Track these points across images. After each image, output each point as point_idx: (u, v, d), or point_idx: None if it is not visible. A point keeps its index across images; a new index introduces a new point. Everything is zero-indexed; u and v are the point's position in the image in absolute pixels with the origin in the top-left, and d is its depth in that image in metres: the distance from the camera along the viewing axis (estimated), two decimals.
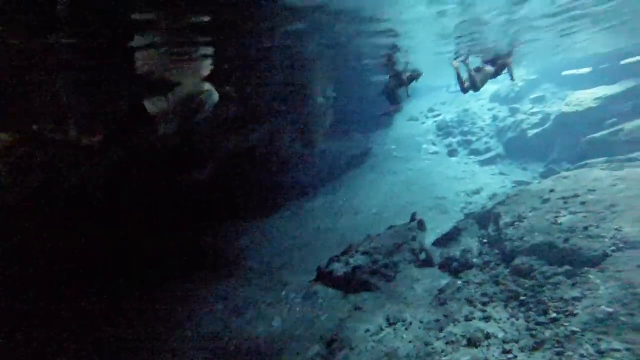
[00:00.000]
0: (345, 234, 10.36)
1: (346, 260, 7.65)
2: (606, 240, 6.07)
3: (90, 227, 7.82)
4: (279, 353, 6.05)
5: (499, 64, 8.00)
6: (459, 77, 7.46)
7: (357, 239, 8.88)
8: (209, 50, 5.73)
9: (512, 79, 8.40)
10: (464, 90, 7.51)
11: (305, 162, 12.63)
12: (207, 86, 4.69)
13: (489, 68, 7.77)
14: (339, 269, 7.57)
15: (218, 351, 6.28)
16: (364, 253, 7.65)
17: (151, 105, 4.14)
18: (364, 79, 14.42)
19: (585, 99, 14.31)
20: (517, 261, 6.74)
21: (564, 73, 18.09)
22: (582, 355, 4.43)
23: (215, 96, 4.70)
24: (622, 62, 15.18)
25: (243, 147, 10.50)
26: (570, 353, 4.52)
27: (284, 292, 7.91)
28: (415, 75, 9.12)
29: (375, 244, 7.89)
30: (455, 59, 10.35)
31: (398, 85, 8.93)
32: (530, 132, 15.82)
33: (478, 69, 7.66)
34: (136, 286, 8.09)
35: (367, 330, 6.15)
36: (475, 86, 7.39)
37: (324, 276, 7.70)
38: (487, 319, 5.70)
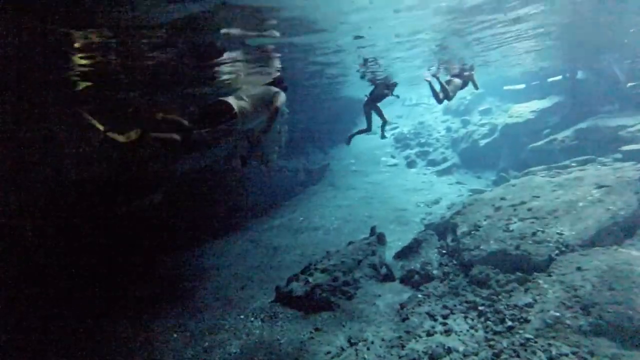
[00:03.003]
0: (305, 252, 10.09)
1: (305, 279, 7.36)
2: (551, 244, 6.35)
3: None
4: None
5: (464, 76, 8.72)
6: (433, 90, 7.97)
7: (318, 256, 8.65)
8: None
9: (476, 88, 9.13)
10: (439, 101, 8.07)
11: (263, 181, 12.32)
12: (275, 88, 4.90)
13: (458, 80, 8.41)
14: (298, 288, 7.26)
15: None
16: (324, 271, 7.41)
17: (235, 102, 4.35)
18: (321, 95, 14.56)
19: (524, 111, 15.50)
20: (474, 271, 6.83)
21: (505, 88, 19.64)
22: None
23: (284, 97, 4.91)
24: (549, 80, 16.98)
25: (197, 169, 10.04)
26: None
27: (242, 316, 7.50)
28: (393, 85, 9.24)
29: (335, 260, 7.68)
30: (428, 72, 10.89)
31: (382, 95, 8.85)
32: (482, 142, 16.68)
33: (448, 82, 8.25)
34: (88, 318, 7.39)
35: (328, 352, 5.87)
36: (448, 97, 7.96)
37: (284, 297, 7.37)
38: (448, 332, 5.65)
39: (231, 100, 4.40)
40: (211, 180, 10.65)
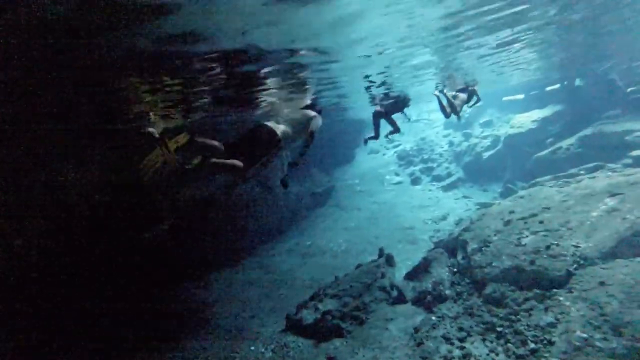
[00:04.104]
0: (314, 276, 9.85)
1: (315, 305, 7.13)
2: (568, 258, 6.10)
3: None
4: None
5: (469, 91, 9.02)
6: (441, 105, 8.15)
7: (326, 280, 8.42)
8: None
9: (479, 100, 9.44)
10: (447, 115, 8.27)
11: (268, 206, 12.23)
12: (312, 112, 4.95)
13: (463, 95, 8.70)
14: (308, 316, 7.02)
15: None
16: (333, 297, 7.18)
17: (278, 127, 4.31)
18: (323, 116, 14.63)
19: (525, 121, 15.45)
20: (488, 289, 6.57)
21: (504, 99, 19.69)
22: None
23: (320, 121, 4.97)
24: (547, 89, 17.02)
25: (202, 196, 10.00)
26: None
27: (253, 347, 7.24)
28: (407, 100, 9.31)
29: (344, 285, 7.46)
30: (436, 89, 11.07)
31: (394, 110, 8.99)
32: (485, 155, 16.55)
33: (455, 97, 8.53)
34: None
35: None
36: (455, 111, 8.16)
37: (294, 325, 7.13)
38: (466, 357, 5.37)
39: (273, 125, 4.28)
40: (216, 208, 10.57)
